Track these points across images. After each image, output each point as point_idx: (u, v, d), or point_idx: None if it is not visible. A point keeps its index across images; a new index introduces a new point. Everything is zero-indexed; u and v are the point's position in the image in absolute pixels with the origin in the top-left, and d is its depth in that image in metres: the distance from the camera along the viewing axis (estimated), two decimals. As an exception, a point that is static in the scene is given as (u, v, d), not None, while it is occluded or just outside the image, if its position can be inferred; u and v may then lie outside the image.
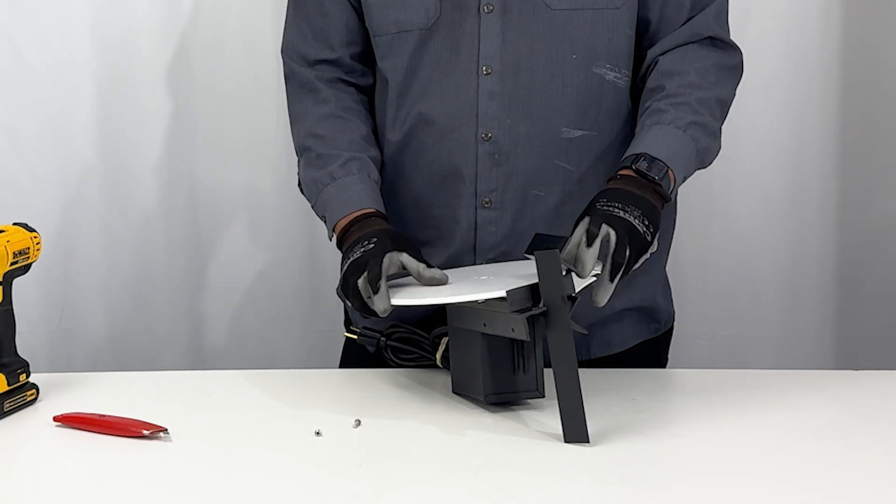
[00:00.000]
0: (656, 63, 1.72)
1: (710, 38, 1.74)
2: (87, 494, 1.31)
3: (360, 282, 1.56)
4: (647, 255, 1.53)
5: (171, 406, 1.55)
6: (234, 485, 1.32)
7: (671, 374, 1.70)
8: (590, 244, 1.46)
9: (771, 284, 2.50)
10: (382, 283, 1.54)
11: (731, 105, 1.77)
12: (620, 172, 1.59)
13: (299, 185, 1.81)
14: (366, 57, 1.80)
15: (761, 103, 2.44)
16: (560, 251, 1.44)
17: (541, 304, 1.43)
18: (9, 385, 1.54)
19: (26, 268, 1.59)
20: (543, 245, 1.45)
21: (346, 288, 1.59)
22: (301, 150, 1.79)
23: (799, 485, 1.31)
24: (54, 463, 1.40)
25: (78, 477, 1.35)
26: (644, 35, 1.74)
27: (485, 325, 1.51)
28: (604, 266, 1.48)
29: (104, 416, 1.47)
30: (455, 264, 1.74)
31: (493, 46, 1.68)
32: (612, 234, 1.48)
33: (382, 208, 1.70)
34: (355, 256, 1.59)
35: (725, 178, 2.47)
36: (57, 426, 1.48)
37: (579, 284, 1.48)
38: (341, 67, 1.80)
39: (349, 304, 1.59)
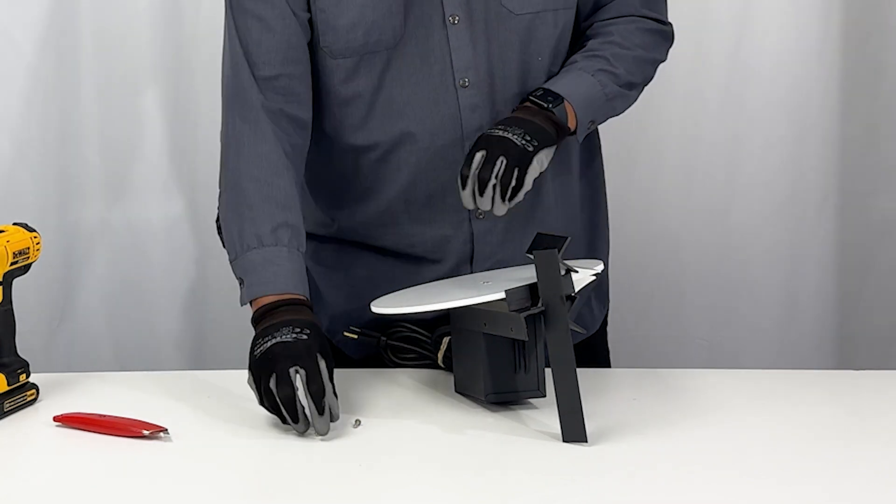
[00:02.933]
0: (586, 32, 1.76)
1: (638, 16, 1.75)
2: (87, 494, 1.31)
3: (300, 392, 1.44)
4: (538, 166, 1.58)
5: (171, 406, 1.55)
6: (234, 485, 1.32)
7: (671, 374, 1.70)
8: (463, 183, 1.55)
9: (771, 285, 2.50)
10: (328, 400, 1.44)
11: (656, 67, 1.78)
12: (518, 106, 1.64)
13: (217, 220, 1.70)
14: (303, 80, 1.66)
15: (761, 103, 2.44)
16: (559, 251, 1.44)
17: (539, 304, 1.43)
18: (9, 385, 1.54)
19: (26, 268, 1.59)
20: (544, 245, 1.45)
21: (263, 373, 1.47)
22: (230, 187, 1.64)
23: (799, 484, 1.31)
24: (54, 463, 1.40)
25: (78, 477, 1.35)
26: (577, 21, 1.76)
27: (485, 325, 1.51)
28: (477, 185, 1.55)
29: (104, 416, 1.47)
30: (451, 276, 1.73)
31: (466, 58, 1.66)
32: (480, 154, 1.55)
33: (308, 293, 1.58)
34: (284, 338, 1.48)
35: (725, 178, 2.48)
36: (57, 426, 1.48)
37: (579, 284, 1.49)
38: (282, 91, 1.64)
39: (259, 396, 1.47)
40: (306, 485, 1.32)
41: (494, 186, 1.54)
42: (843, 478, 1.33)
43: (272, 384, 1.45)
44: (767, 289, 2.50)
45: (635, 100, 1.76)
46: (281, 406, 1.44)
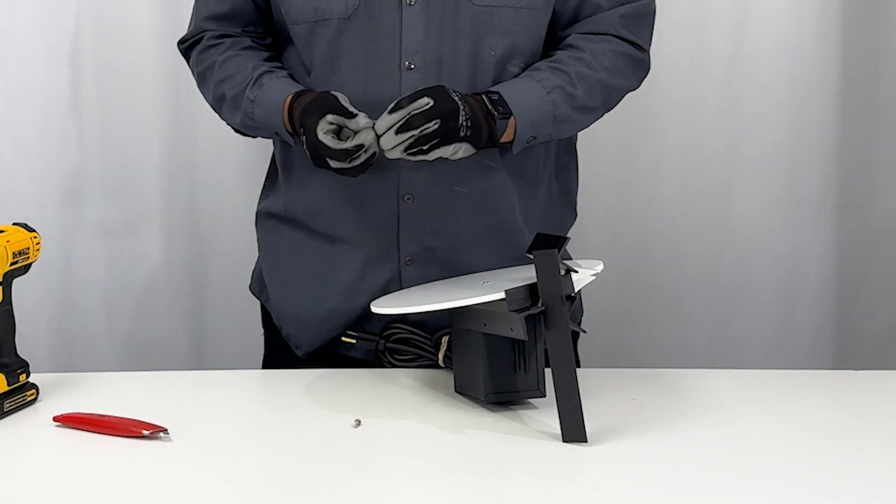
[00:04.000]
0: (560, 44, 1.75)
1: (616, 36, 1.74)
2: (87, 494, 1.31)
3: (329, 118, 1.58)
4: (448, 151, 1.58)
5: (171, 406, 1.55)
6: (234, 485, 1.32)
7: (671, 374, 1.70)
8: (395, 109, 1.56)
9: (771, 284, 2.50)
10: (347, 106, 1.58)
11: (623, 95, 1.77)
12: (474, 95, 1.63)
13: (237, 131, 1.80)
14: (256, 21, 1.80)
15: (761, 103, 2.44)
16: (558, 252, 1.44)
17: (539, 304, 1.43)
18: (9, 385, 1.54)
19: (26, 268, 1.59)
20: (543, 245, 1.46)
21: (314, 126, 1.59)
22: (218, 102, 1.78)
23: (798, 484, 1.31)
24: (54, 463, 1.40)
25: (78, 477, 1.35)
26: (553, 30, 1.75)
27: (485, 325, 1.51)
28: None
29: (104, 416, 1.47)
30: (375, 261, 1.72)
31: (416, 40, 1.67)
32: (426, 101, 1.56)
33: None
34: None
35: (725, 178, 2.48)
36: (57, 426, 1.48)
37: (579, 284, 1.49)
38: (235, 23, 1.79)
39: (327, 150, 1.58)
40: (306, 484, 1.32)
41: (411, 137, 1.55)
42: (842, 478, 1.33)
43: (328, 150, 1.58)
44: (767, 289, 2.50)
45: (589, 124, 1.75)
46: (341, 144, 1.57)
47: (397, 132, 1.55)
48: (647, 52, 1.77)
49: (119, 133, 2.42)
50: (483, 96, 1.63)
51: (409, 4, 1.66)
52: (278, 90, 1.69)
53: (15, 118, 2.38)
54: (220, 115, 1.80)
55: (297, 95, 1.67)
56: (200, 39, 1.80)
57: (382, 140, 1.56)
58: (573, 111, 1.69)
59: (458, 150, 1.59)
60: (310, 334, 1.78)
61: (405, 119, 1.55)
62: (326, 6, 1.68)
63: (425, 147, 1.56)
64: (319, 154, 1.59)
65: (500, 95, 1.64)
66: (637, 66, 1.76)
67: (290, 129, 1.68)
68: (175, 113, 2.42)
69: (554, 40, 1.75)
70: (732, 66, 2.44)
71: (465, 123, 1.57)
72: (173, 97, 2.41)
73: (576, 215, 1.87)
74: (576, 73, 1.69)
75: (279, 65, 1.77)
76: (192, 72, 1.83)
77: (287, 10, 1.72)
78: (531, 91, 1.66)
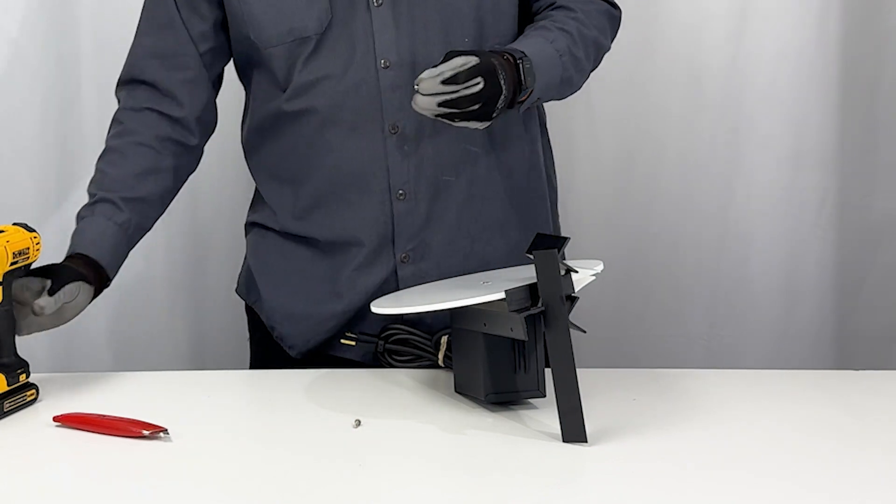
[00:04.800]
0: (544, 5, 1.76)
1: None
2: (87, 494, 1.31)
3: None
4: (478, 126, 1.55)
5: (171, 406, 1.55)
6: (234, 485, 1.32)
7: (671, 374, 1.70)
8: (443, 61, 1.52)
9: (770, 284, 2.50)
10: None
11: (604, 54, 1.78)
12: (506, 55, 1.60)
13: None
14: (181, 83, 1.78)
15: (761, 103, 2.44)
16: (559, 251, 1.44)
17: (539, 304, 1.43)
18: (9, 385, 1.54)
19: (26, 268, 1.59)
20: (543, 245, 1.46)
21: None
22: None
23: (798, 484, 1.31)
24: (54, 463, 1.40)
25: (78, 477, 1.35)
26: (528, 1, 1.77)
27: (485, 325, 1.51)
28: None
29: (104, 416, 1.47)
30: (371, 260, 1.73)
31: (388, 39, 1.67)
32: (475, 60, 1.52)
33: (96, 253, 1.71)
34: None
35: (725, 178, 2.48)
36: (57, 426, 1.48)
37: (579, 284, 1.49)
38: (150, 91, 1.80)
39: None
40: (306, 485, 1.32)
41: (450, 97, 1.51)
42: (842, 478, 1.33)
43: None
44: (767, 288, 2.50)
45: (579, 87, 1.74)
46: None
47: (437, 91, 1.51)
48: (620, 8, 1.80)
49: (119, 133, 2.41)
50: (519, 64, 1.60)
51: (378, 6, 1.67)
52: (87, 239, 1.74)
53: (15, 118, 2.38)
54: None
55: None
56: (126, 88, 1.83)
57: (424, 84, 1.51)
58: (576, 73, 1.70)
59: (483, 126, 1.57)
60: (304, 335, 1.78)
61: (447, 77, 1.51)
62: (301, 25, 1.68)
63: (458, 112, 1.52)
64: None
65: (526, 56, 1.61)
66: (614, 25, 1.79)
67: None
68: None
69: (531, 13, 1.76)
70: (732, 66, 2.44)
71: (501, 106, 1.56)
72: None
73: (555, 190, 1.88)
74: (577, 33, 1.69)
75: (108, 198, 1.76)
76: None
77: (257, 35, 1.71)
78: (548, 56, 1.65)
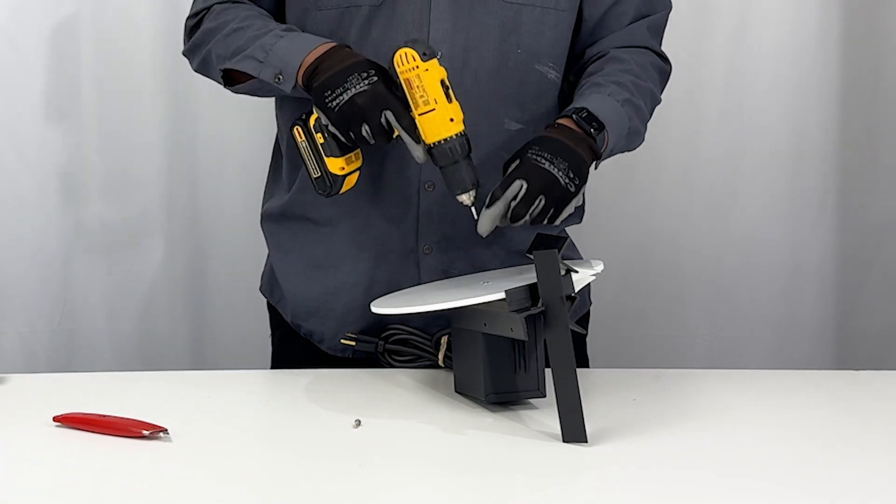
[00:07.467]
0: (595, 56, 1.74)
1: (644, 47, 1.76)
2: (87, 494, 1.31)
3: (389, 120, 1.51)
4: (571, 208, 1.56)
5: (171, 406, 1.55)
6: (234, 485, 1.32)
7: (671, 374, 1.70)
8: (491, 203, 1.52)
9: (771, 284, 2.50)
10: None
11: (656, 107, 1.78)
12: (560, 121, 1.60)
13: (200, 70, 1.73)
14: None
15: (761, 103, 2.45)
16: (559, 251, 1.45)
17: (539, 304, 1.43)
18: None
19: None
20: (544, 245, 1.46)
21: (353, 124, 1.51)
22: (220, 43, 1.66)
23: (798, 485, 1.31)
24: (54, 463, 1.40)
25: (78, 477, 1.35)
26: (577, 35, 1.76)
27: (485, 325, 1.51)
28: (506, 214, 1.53)
29: (104, 416, 1.47)
30: (394, 251, 1.71)
31: (444, 31, 1.66)
32: (519, 184, 1.52)
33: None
34: (359, 87, 1.51)
35: (726, 178, 2.48)
36: (57, 426, 1.48)
37: (579, 284, 1.49)
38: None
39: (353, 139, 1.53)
40: (306, 485, 1.32)
41: (524, 223, 1.54)
42: (842, 478, 1.33)
43: (365, 132, 1.51)
44: (767, 289, 2.50)
45: (642, 141, 1.75)
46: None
47: (507, 223, 1.54)
48: (664, 55, 1.80)
49: (119, 133, 2.42)
50: (571, 118, 1.60)
51: None
52: (316, 38, 1.61)
53: (15, 118, 2.38)
54: (206, 60, 1.71)
55: (341, 46, 1.59)
56: (210, 9, 1.72)
57: (483, 228, 1.54)
58: (640, 124, 1.70)
59: (578, 202, 1.57)
60: (331, 328, 1.77)
61: (509, 211, 1.53)
62: None
63: (544, 222, 1.55)
64: (347, 125, 1.53)
65: (588, 111, 1.61)
66: (664, 78, 1.79)
67: (304, 71, 1.59)
68: (175, 113, 2.42)
69: (579, 56, 1.76)
70: (733, 66, 2.44)
71: (568, 178, 1.54)
72: (174, 97, 2.41)
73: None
74: (633, 83, 1.69)
75: None
76: (193, 39, 1.72)
77: None
78: (610, 105, 1.64)
